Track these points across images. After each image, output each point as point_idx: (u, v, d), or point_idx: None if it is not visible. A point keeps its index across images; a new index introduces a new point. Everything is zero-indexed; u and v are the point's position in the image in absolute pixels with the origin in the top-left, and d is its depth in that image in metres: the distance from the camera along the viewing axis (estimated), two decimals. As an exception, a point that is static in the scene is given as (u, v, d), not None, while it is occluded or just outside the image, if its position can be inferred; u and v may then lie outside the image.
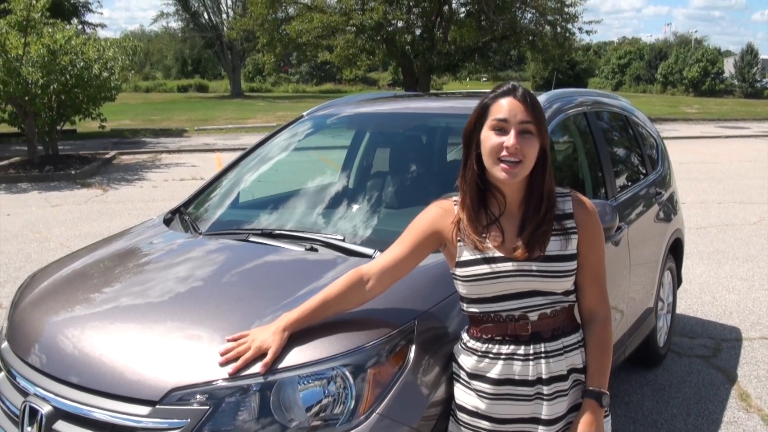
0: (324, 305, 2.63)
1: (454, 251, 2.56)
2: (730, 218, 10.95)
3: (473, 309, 2.55)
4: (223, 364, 2.50)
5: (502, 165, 2.39)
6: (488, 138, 2.41)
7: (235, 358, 2.49)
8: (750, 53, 60.91)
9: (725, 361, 5.55)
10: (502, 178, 2.41)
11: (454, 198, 2.63)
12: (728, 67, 63.77)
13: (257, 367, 2.47)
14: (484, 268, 2.45)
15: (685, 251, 6.26)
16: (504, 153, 2.37)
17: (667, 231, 5.39)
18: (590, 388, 2.52)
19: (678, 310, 6.40)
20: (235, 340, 2.57)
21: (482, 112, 2.46)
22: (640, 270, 4.73)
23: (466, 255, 2.50)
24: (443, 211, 2.62)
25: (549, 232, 2.46)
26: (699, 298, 7.09)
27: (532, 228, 2.45)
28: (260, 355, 2.49)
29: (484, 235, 2.49)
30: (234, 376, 2.46)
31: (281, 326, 2.55)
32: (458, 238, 2.54)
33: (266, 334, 2.53)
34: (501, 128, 2.39)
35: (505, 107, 2.40)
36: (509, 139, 2.37)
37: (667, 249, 5.37)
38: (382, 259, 2.69)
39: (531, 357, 2.48)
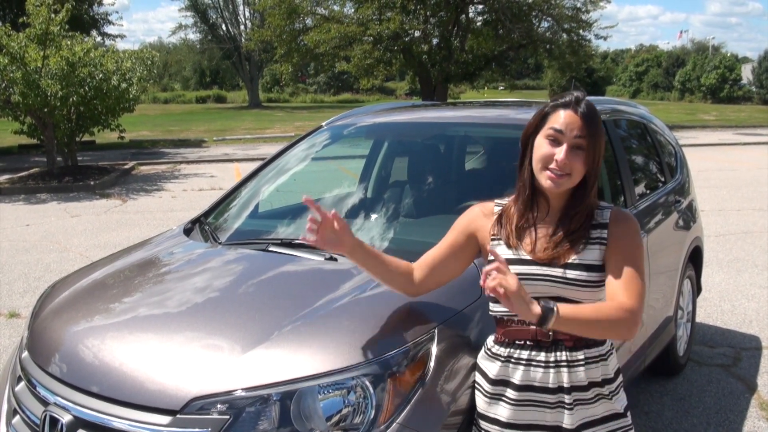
0: (381, 262, 2.64)
1: (487, 251, 2.57)
2: (749, 226, 10.88)
3: (498, 308, 2.55)
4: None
5: (549, 174, 2.40)
6: (541, 146, 2.43)
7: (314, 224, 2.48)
8: (768, 59, 60.67)
9: (745, 370, 5.51)
10: (546, 186, 2.43)
11: (497, 200, 2.67)
12: (746, 73, 63.55)
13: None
14: (511, 269, 2.44)
15: (705, 259, 6.23)
16: (553, 165, 2.39)
17: (686, 239, 5.36)
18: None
19: (697, 319, 6.37)
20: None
21: (541, 119, 2.47)
22: (660, 278, 4.70)
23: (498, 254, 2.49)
24: (482, 212, 2.65)
25: (578, 242, 2.45)
26: (718, 306, 7.04)
27: (563, 236, 2.46)
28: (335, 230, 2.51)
29: (522, 234, 2.51)
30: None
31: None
32: (493, 235, 2.56)
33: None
34: (555, 138, 2.40)
35: (562, 119, 2.40)
36: (560, 153, 2.38)
37: (686, 257, 5.34)
38: (425, 256, 2.72)
39: (552, 364, 2.46)
